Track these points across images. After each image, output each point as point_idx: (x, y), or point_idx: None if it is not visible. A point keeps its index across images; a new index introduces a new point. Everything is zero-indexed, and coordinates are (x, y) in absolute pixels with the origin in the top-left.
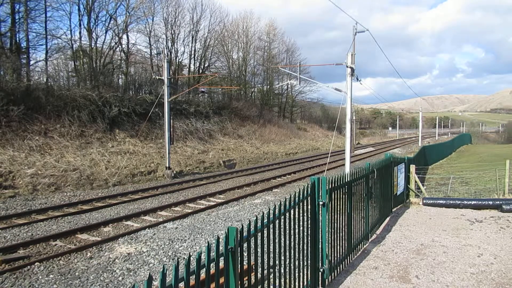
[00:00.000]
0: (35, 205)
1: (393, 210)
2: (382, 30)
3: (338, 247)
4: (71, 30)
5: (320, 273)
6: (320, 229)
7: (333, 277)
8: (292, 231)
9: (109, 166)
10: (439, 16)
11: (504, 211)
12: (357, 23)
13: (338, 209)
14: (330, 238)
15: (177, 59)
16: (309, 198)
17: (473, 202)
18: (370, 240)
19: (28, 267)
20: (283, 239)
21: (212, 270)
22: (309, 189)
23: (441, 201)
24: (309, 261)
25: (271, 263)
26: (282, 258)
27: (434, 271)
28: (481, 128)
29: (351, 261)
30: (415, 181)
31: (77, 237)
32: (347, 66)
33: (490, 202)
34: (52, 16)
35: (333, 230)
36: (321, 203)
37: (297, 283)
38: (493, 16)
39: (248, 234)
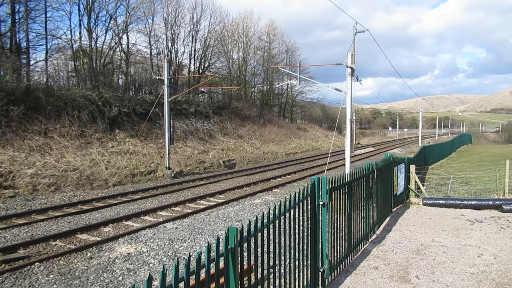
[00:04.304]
0: (35, 205)
1: (393, 210)
2: (383, 30)
3: (338, 247)
4: (71, 30)
5: (320, 273)
6: (320, 229)
7: (333, 277)
8: (292, 231)
9: (109, 166)
10: (440, 15)
11: (504, 211)
12: (357, 23)
13: (338, 209)
14: (330, 238)
15: (177, 59)
16: (309, 198)
17: (473, 202)
18: (370, 240)
19: (28, 267)
20: (283, 239)
21: (212, 270)
22: (309, 189)
23: (441, 201)
24: (309, 261)
25: (271, 263)
26: (282, 258)
27: (434, 271)
28: (481, 128)
29: (351, 261)
30: (415, 181)
31: (77, 237)
32: (347, 66)
33: (490, 202)
34: (52, 16)
35: (333, 230)
36: (321, 203)
37: (297, 283)
38: (495, 16)
39: (248, 234)
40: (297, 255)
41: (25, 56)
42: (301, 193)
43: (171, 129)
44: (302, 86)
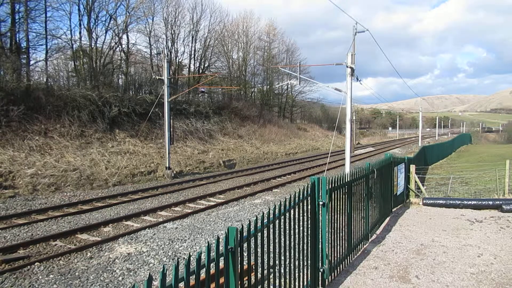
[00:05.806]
0: (35, 205)
1: (393, 210)
2: (384, 30)
3: (338, 247)
4: (71, 30)
5: (320, 273)
6: (320, 229)
7: (333, 277)
8: (292, 231)
9: (109, 166)
10: (441, 15)
11: (504, 211)
12: (357, 23)
13: (338, 209)
14: (330, 238)
15: (177, 59)
16: (309, 198)
17: (473, 202)
18: (370, 240)
19: (28, 267)
20: (283, 239)
21: (212, 270)
22: (309, 189)
23: (441, 201)
24: (309, 261)
25: (271, 263)
26: (282, 258)
27: (434, 271)
28: (481, 128)
29: (351, 261)
30: (415, 181)
31: (77, 237)
32: (347, 66)
33: (490, 202)
34: (52, 16)
35: (333, 230)
36: (321, 203)
37: (297, 283)
38: (495, 15)
39: (248, 234)
40: (297, 255)
41: (25, 56)
42: (301, 193)
43: (171, 129)
44: (302, 86)
